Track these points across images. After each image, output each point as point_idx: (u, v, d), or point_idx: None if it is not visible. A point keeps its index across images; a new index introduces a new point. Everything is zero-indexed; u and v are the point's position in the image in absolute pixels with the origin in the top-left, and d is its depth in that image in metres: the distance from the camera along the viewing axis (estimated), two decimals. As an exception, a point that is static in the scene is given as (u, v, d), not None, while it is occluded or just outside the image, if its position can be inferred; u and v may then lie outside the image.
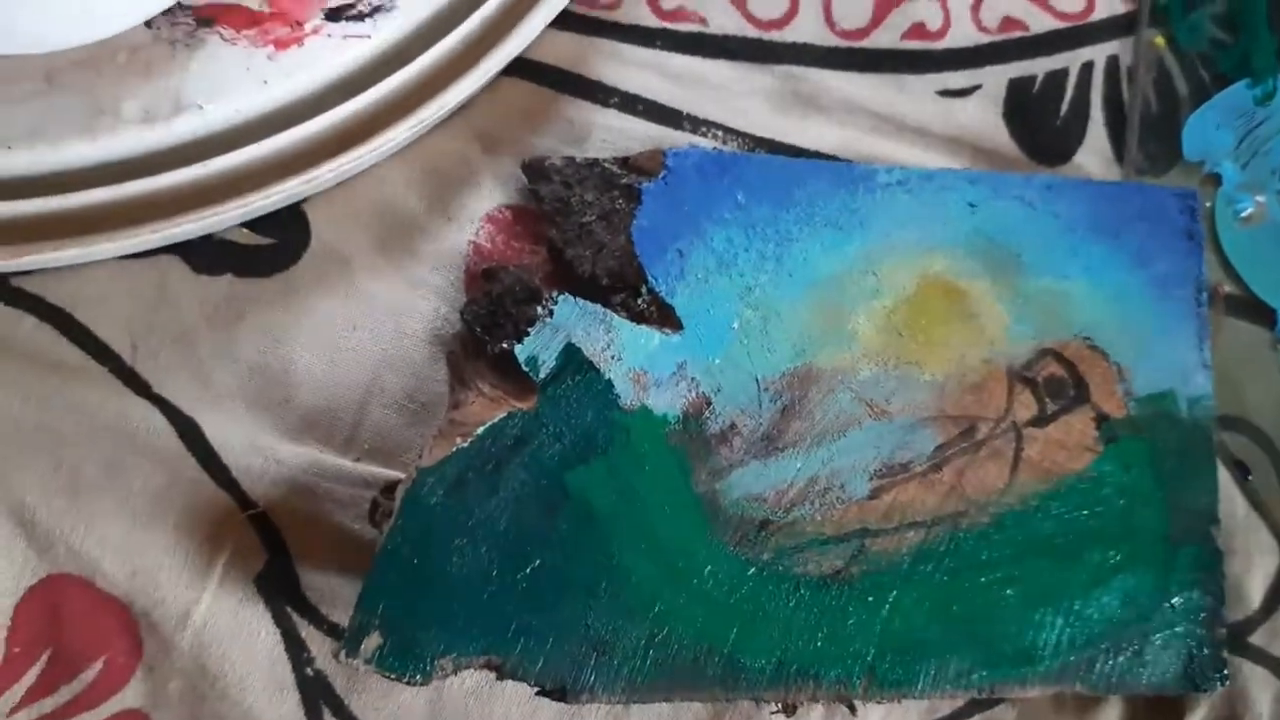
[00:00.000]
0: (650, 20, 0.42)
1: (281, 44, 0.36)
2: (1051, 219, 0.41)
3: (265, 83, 0.35)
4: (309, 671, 0.36)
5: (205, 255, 0.36)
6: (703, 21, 0.43)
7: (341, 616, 0.35)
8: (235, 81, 0.35)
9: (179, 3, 0.35)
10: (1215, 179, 0.46)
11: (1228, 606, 0.41)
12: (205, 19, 0.35)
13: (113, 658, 0.34)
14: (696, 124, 0.42)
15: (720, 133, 0.42)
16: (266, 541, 0.35)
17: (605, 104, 0.41)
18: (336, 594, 0.36)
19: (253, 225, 0.37)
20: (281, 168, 0.35)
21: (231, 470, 0.35)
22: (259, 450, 0.36)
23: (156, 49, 0.35)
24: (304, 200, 0.37)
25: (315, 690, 0.36)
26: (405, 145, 0.38)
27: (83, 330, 0.35)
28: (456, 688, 0.36)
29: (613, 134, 0.41)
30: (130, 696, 0.34)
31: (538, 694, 0.34)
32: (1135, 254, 0.41)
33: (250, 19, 0.36)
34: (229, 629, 0.35)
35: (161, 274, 0.36)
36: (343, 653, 0.31)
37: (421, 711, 0.36)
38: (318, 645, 0.36)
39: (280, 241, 0.37)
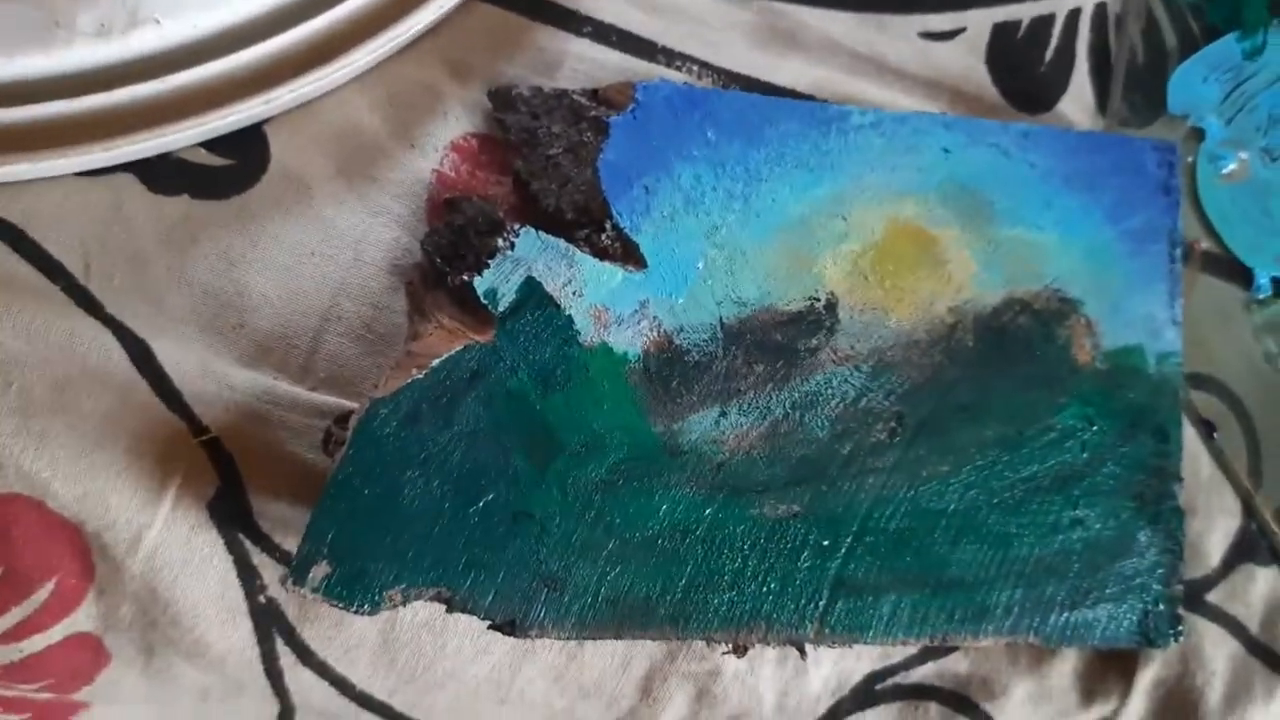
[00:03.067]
0: (628, -52, 0.41)
1: (243, -42, 0.35)
2: (1026, 168, 0.40)
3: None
4: (261, 599, 0.35)
5: (161, 175, 0.36)
6: (682, -49, 0.42)
7: (294, 545, 0.34)
8: (194, -4, 0.34)
9: (137, -88, 0.34)
10: (1199, 133, 0.46)
11: (1187, 564, 0.41)
12: (164, -70, 0.34)
13: (64, 580, 0.34)
14: (671, 57, 0.41)
15: (695, 67, 0.41)
16: (219, 468, 0.35)
17: (578, 33, 0.40)
18: (289, 522, 0.35)
19: (211, 145, 0.36)
20: (241, 87, 0.34)
21: (184, 395, 0.35)
22: (212, 375, 0.35)
23: (113, -40, 0.34)
24: (264, 122, 0.36)
25: (267, 618, 0.36)
26: (370, 69, 0.37)
27: (35, 247, 0.35)
28: (409, 619, 0.36)
29: (585, 64, 0.40)
30: (82, 619, 0.34)
31: (489, 628, 0.34)
32: (1110, 207, 0.41)
33: (211, -69, 0.35)
34: (181, 555, 0.35)
35: (116, 192, 0.35)
36: (290, 580, 0.31)
37: (374, 642, 0.36)
38: (270, 573, 0.35)
39: (238, 163, 0.36)
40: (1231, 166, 0.45)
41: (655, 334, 0.36)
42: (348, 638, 0.36)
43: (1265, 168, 0.45)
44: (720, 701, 0.39)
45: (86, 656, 0.35)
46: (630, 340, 0.36)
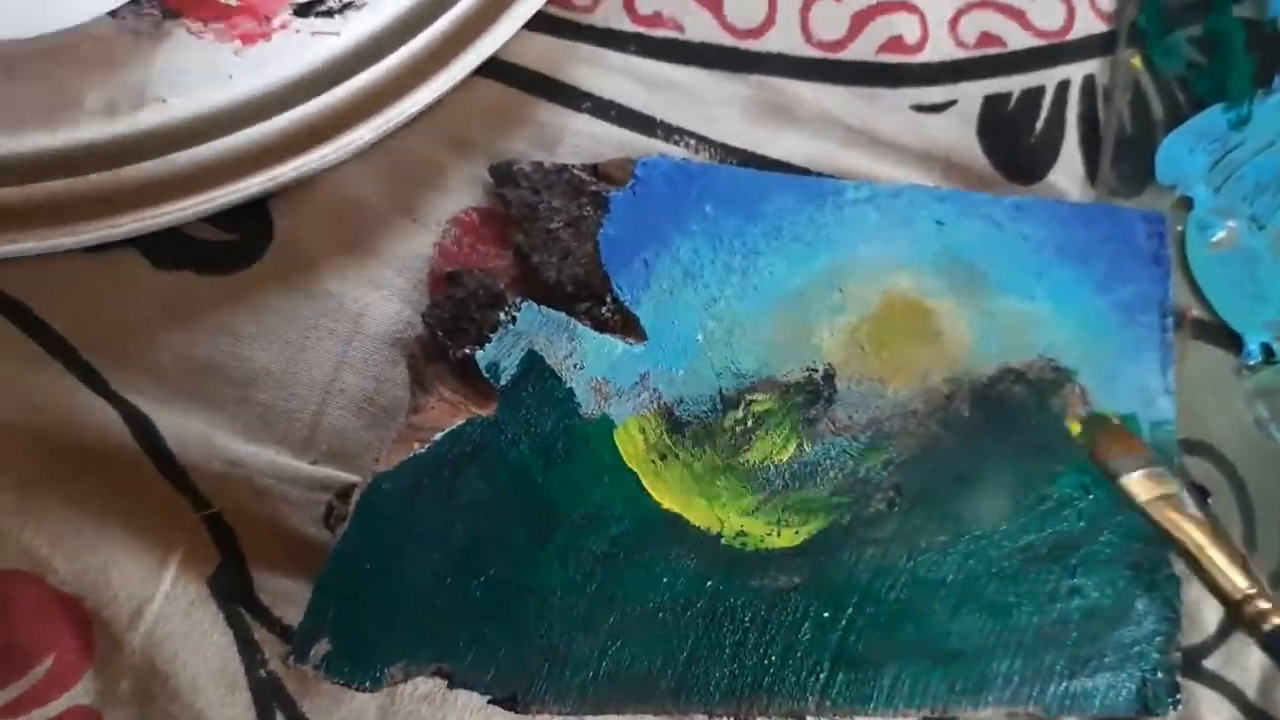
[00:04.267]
0: (626, 25, 0.42)
1: (248, 39, 0.35)
2: (1019, 240, 0.41)
3: (230, 78, 0.35)
4: (262, 673, 0.35)
5: (166, 250, 0.36)
6: (679, 28, 0.42)
7: (295, 619, 0.34)
8: (200, 75, 0.35)
9: (145, -6, 0.34)
10: (1187, 202, 0.46)
11: (1185, 632, 0.42)
12: (171, 11, 0.35)
13: (63, 655, 0.34)
14: (669, 131, 0.41)
15: (693, 141, 0.42)
16: (220, 543, 0.35)
17: (578, 108, 0.41)
18: (291, 596, 0.35)
19: (215, 221, 0.36)
20: (245, 164, 0.35)
21: (185, 469, 0.35)
22: (214, 450, 0.35)
23: (120, 40, 0.34)
24: (267, 197, 0.37)
25: (268, 692, 0.35)
26: (372, 144, 0.37)
27: (39, 323, 0.35)
28: (409, 694, 0.36)
29: (584, 139, 0.41)
30: (81, 694, 0.34)
31: (490, 703, 0.34)
32: (1102, 277, 0.41)
33: (217, 12, 0.35)
34: (181, 629, 0.34)
35: (120, 268, 0.35)
36: (291, 657, 0.31)
37: (373, 716, 0.36)
38: (271, 647, 0.35)
39: (242, 238, 0.37)
40: (1220, 235, 0.46)
41: (656, 405, 0.36)
42: (347, 713, 0.36)
43: (1253, 235, 0.46)
44: (722, 775, 0.38)
45: (85, 733, 0.35)
46: (631, 412, 0.36)
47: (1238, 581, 0.36)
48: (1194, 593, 0.43)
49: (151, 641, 0.34)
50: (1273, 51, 0.48)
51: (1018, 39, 0.46)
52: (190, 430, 0.35)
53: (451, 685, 0.33)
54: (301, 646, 0.31)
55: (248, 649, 0.35)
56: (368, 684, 0.32)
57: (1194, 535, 0.36)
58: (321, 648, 0.32)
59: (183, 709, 0.34)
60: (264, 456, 0.36)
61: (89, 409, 0.35)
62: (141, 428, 0.35)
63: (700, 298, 0.37)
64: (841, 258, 0.39)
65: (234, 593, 0.35)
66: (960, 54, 0.45)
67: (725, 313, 0.37)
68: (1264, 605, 0.35)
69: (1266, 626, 0.35)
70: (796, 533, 0.37)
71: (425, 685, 0.36)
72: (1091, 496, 0.40)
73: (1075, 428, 0.40)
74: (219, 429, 0.36)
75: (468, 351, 0.34)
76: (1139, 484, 0.38)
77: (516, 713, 0.34)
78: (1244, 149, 0.46)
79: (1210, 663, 0.43)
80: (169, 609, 0.34)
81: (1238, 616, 0.36)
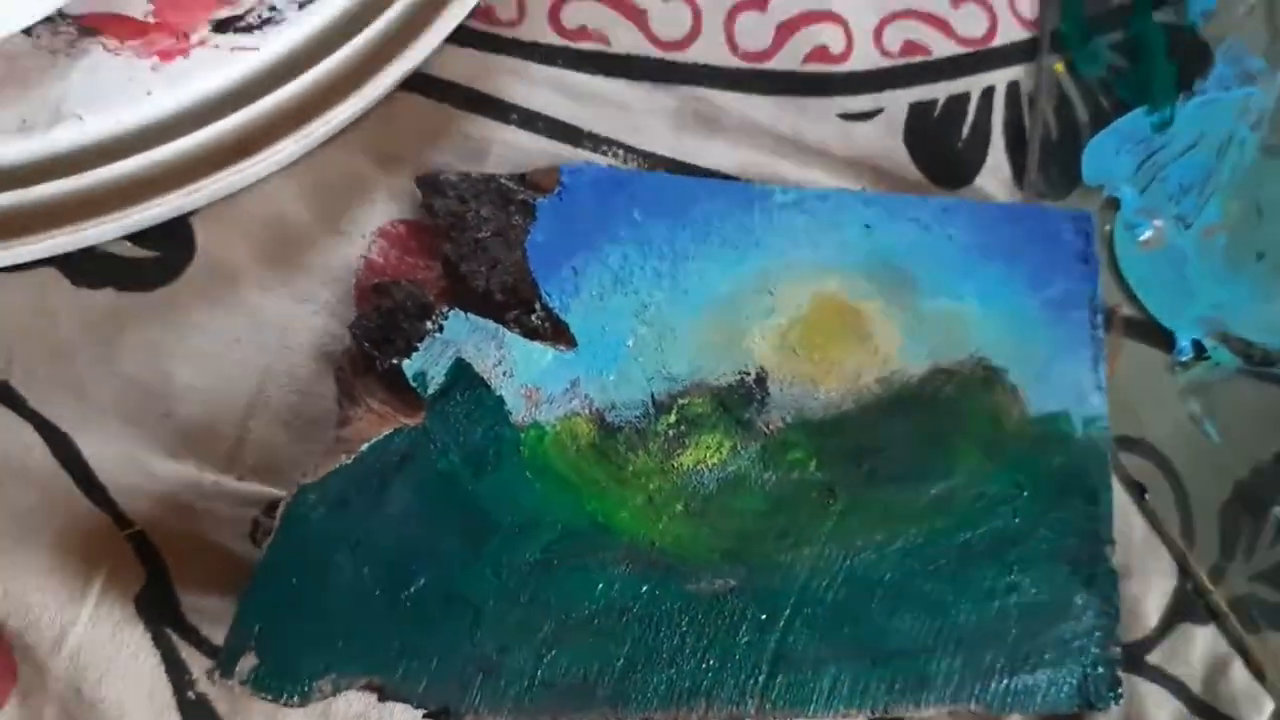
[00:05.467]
0: (552, 38, 0.42)
1: (166, 55, 0.35)
2: (946, 241, 0.41)
3: (149, 94, 0.35)
4: (190, 695, 0.35)
5: (85, 268, 0.36)
6: (605, 40, 0.43)
7: (224, 637, 0.34)
8: (118, 92, 0.34)
9: (60, 12, 0.34)
10: (1114, 203, 0.47)
11: (1126, 626, 0.42)
12: (88, 29, 0.35)
13: (-15, 683, 0.33)
14: (597, 142, 0.42)
15: (621, 151, 0.42)
16: (146, 561, 0.34)
17: (505, 120, 0.41)
18: (218, 614, 0.34)
19: (135, 238, 0.36)
20: (165, 180, 0.34)
21: (109, 488, 0.34)
22: (137, 467, 0.35)
23: (36, 58, 0.34)
24: (190, 213, 0.36)
25: (197, 714, 0.35)
26: (297, 159, 0.37)
27: (-44, 343, 0.34)
28: (343, 712, 0.36)
29: (512, 151, 0.41)
30: (4, 723, 0.33)
31: (424, 717, 0.34)
32: (1030, 276, 0.42)
33: (135, 29, 0.35)
34: (107, 652, 0.34)
35: (40, 287, 0.35)
36: (217, 672, 0.31)
37: (307, 735, 0.35)
38: (199, 668, 0.35)
39: (163, 254, 0.36)
40: (1148, 234, 0.47)
41: (587, 411, 0.36)
42: (280, 733, 0.35)
43: (1180, 235, 0.47)
44: (664, 784, 0.38)
45: (9, 763, 0.34)
46: (562, 419, 0.36)
47: None
48: (1134, 586, 0.43)
49: (77, 666, 0.34)
50: (1193, 56, 0.49)
51: (942, 47, 0.47)
52: (112, 448, 0.35)
53: (383, 698, 0.33)
54: (227, 661, 0.31)
55: (176, 670, 0.34)
56: (296, 699, 0.31)
57: None
58: (248, 662, 0.31)
59: (111, 735, 0.34)
60: (188, 473, 0.35)
61: (8, 429, 0.34)
62: (63, 447, 0.34)
63: (630, 303, 0.37)
64: (771, 261, 0.39)
65: (161, 613, 0.34)
66: (885, 63, 0.46)
67: (656, 318, 0.37)
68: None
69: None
70: (731, 535, 0.37)
71: (359, 702, 0.36)
72: (1026, 494, 0.40)
73: None
74: (142, 446, 0.35)
75: (395, 362, 0.34)
76: None
77: (451, 725, 0.34)
78: (1168, 150, 0.47)
79: (1153, 658, 0.43)
80: (94, 632, 0.34)
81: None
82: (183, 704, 0.35)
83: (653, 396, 0.37)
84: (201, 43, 0.36)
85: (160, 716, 0.34)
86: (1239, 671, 0.44)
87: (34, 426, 0.34)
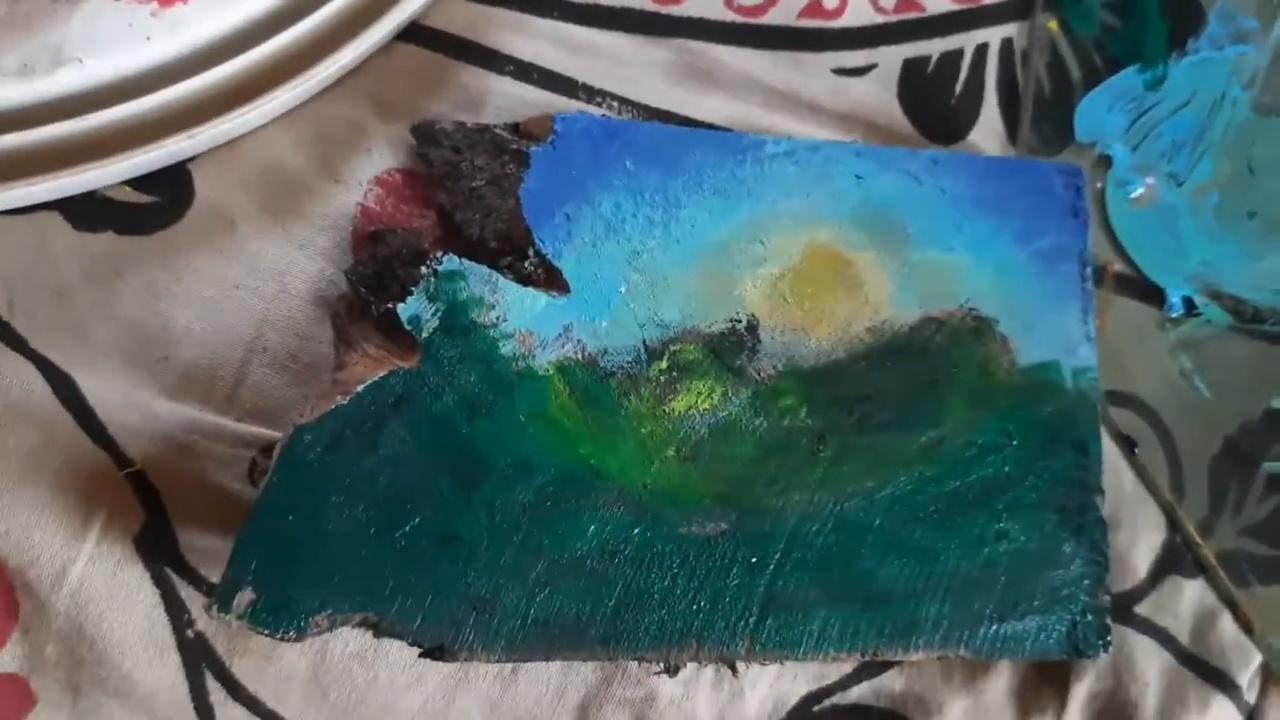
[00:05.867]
0: (548, -9, 0.43)
1: (166, 1, 0.35)
2: (937, 193, 0.41)
3: (148, 39, 0.35)
4: (189, 634, 0.35)
5: (86, 212, 0.36)
6: (600, -7, 0.43)
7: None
8: (117, 36, 0.35)
9: (61, -43, 0.35)
10: (1106, 160, 0.47)
11: (1115, 577, 0.42)
12: (88, -26, 0.35)
13: (-13, 620, 0.34)
14: (592, 94, 0.42)
15: (615, 103, 0.42)
16: (145, 501, 0.35)
17: (500, 71, 0.41)
18: (217, 554, 0.35)
19: (135, 182, 0.36)
20: (164, 125, 0.35)
21: (108, 428, 0.35)
22: (137, 408, 0.35)
23: (36, 3, 0.34)
24: (189, 159, 0.37)
25: (196, 652, 0.35)
26: (295, 107, 0.37)
27: (-42, 285, 0.35)
28: (340, 650, 0.36)
29: (508, 101, 0.41)
30: (6, 660, 0.34)
31: (420, 655, 0.34)
32: (1020, 229, 0.42)
33: (135, -25, 0.36)
34: (106, 590, 0.34)
35: (41, 230, 0.36)
36: (214, 607, 0.31)
37: (304, 674, 0.36)
38: (198, 607, 0.35)
39: (163, 199, 0.37)
40: (1139, 191, 0.47)
41: (580, 356, 0.36)
42: (278, 671, 0.36)
43: (1171, 192, 0.47)
44: (657, 726, 0.39)
45: (12, 699, 0.34)
46: (555, 364, 0.36)
47: None
48: (1123, 539, 0.43)
49: (77, 604, 0.34)
50: (1186, 14, 0.49)
51: (936, 3, 0.47)
52: (113, 389, 0.35)
53: (378, 634, 0.33)
54: (224, 597, 0.31)
55: (174, 608, 0.35)
56: (292, 633, 0.32)
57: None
58: (245, 597, 0.31)
59: (111, 672, 0.34)
60: (186, 414, 0.36)
61: (10, 369, 0.35)
62: (64, 387, 0.35)
63: (622, 250, 0.38)
64: (763, 211, 0.39)
65: (159, 552, 0.35)
66: (879, 19, 0.46)
67: (648, 265, 0.38)
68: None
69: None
70: (723, 479, 0.37)
71: (355, 641, 0.36)
72: (1015, 442, 0.40)
73: None
74: (141, 387, 0.36)
75: (390, 307, 0.35)
76: None
77: (445, 661, 0.34)
78: (1160, 108, 0.48)
79: (1142, 609, 0.43)
80: (94, 570, 0.34)
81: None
82: (181, 642, 0.35)
83: (645, 343, 0.37)
84: (200, -11, 0.36)
85: (159, 654, 0.35)
86: (1227, 624, 0.44)
87: (36, 366, 0.35)
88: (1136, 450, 0.45)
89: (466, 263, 0.35)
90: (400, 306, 0.34)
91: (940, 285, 0.41)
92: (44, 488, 0.34)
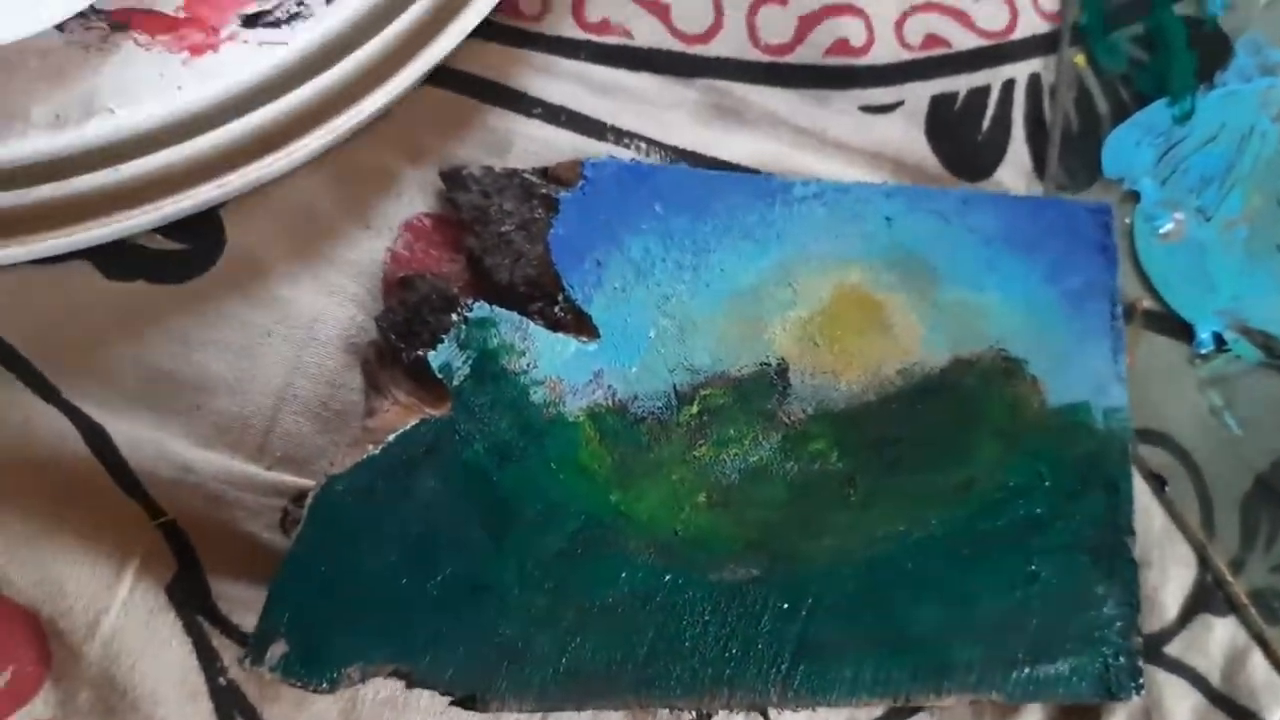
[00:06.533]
0: (574, 32, 0.42)
1: (196, 50, 0.36)
2: (966, 233, 0.41)
3: (179, 88, 0.35)
4: (221, 681, 0.35)
5: (117, 261, 0.36)
6: (627, 34, 0.43)
7: (253, 626, 0.34)
8: (148, 86, 0.35)
9: (92, 7, 0.35)
10: (1135, 196, 0.47)
11: (1145, 617, 0.42)
12: (119, 23, 0.35)
13: (20, 668, 0.34)
14: (619, 135, 0.42)
15: (643, 144, 0.42)
16: (177, 550, 0.35)
17: (528, 114, 0.41)
18: (248, 603, 0.35)
19: (166, 231, 0.36)
20: (195, 173, 0.35)
21: (140, 478, 0.35)
22: (168, 458, 0.35)
23: (69, 53, 0.35)
24: (219, 206, 0.37)
25: (228, 700, 0.35)
26: (324, 152, 0.37)
27: (-9, 336, 0.35)
28: (370, 698, 0.36)
29: (536, 144, 0.41)
30: (39, 708, 0.34)
31: (451, 704, 0.34)
32: (1050, 268, 0.42)
33: (165, 24, 0.36)
34: (139, 639, 0.34)
35: (72, 279, 0.36)
36: (247, 659, 0.31)
37: (335, 721, 0.36)
38: (230, 655, 0.35)
39: (194, 247, 0.37)
40: (1168, 226, 0.47)
41: (610, 402, 0.36)
42: (309, 718, 0.36)
43: (1200, 227, 0.47)
44: (688, 771, 0.38)
45: (45, 748, 0.34)
46: (585, 410, 0.36)
47: None
48: (1153, 579, 0.43)
49: (110, 652, 0.34)
50: (1213, 48, 0.49)
51: (963, 40, 0.47)
52: (144, 438, 0.35)
53: (410, 685, 0.33)
54: (257, 649, 0.31)
55: (207, 657, 0.35)
56: (325, 685, 0.32)
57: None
58: (278, 649, 0.32)
59: (143, 720, 0.34)
60: (218, 463, 0.36)
61: (42, 419, 0.35)
62: (95, 437, 0.35)
63: (652, 295, 0.38)
64: (792, 254, 0.39)
65: (191, 600, 0.35)
66: (906, 55, 0.46)
67: (677, 310, 0.38)
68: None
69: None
70: (753, 525, 0.37)
71: (386, 689, 0.36)
72: (1047, 484, 0.40)
73: None
74: (173, 437, 0.36)
75: (420, 354, 0.35)
76: None
77: (476, 711, 0.34)
78: (1188, 143, 0.47)
79: (1172, 649, 0.43)
80: (126, 619, 0.34)
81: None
82: (214, 690, 0.35)
83: (675, 388, 0.37)
84: (231, 38, 0.36)
85: (192, 702, 0.35)
86: (1258, 663, 0.44)
87: (67, 416, 0.35)
88: (1167, 488, 0.44)
89: (497, 309, 0.35)
90: (431, 354, 0.34)
91: (970, 326, 0.40)
92: (76, 537, 0.34)
